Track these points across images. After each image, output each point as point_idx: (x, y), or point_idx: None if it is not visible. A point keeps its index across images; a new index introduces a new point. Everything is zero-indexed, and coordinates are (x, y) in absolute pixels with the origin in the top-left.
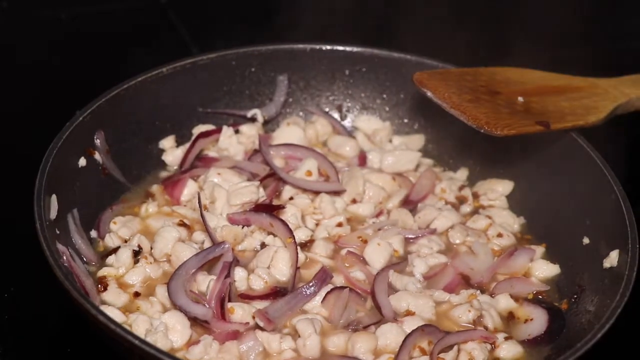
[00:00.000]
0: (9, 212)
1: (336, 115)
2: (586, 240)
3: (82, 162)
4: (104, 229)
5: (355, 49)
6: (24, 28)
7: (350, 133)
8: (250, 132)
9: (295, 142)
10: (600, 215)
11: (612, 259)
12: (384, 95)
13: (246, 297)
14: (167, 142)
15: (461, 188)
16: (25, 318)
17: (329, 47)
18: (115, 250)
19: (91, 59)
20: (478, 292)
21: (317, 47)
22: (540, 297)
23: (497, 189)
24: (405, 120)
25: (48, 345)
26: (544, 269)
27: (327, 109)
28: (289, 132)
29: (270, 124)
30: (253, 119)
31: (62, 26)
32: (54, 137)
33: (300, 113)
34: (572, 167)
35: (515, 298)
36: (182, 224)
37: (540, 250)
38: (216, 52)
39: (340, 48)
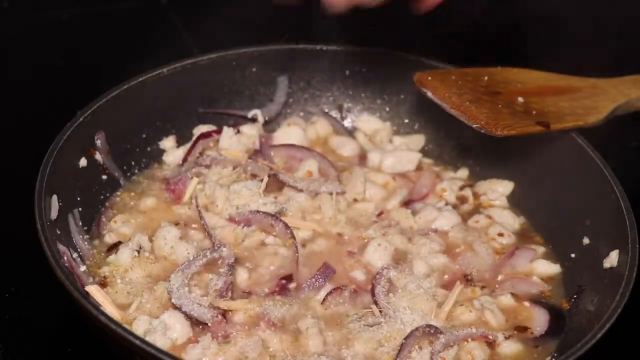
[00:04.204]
0: (10, 212)
1: (336, 116)
2: (586, 240)
3: (83, 162)
4: (104, 229)
5: (355, 49)
6: (25, 28)
7: (350, 133)
8: (250, 133)
9: (295, 143)
10: (600, 215)
11: (612, 259)
12: (384, 96)
13: (249, 296)
14: (168, 143)
15: (462, 188)
16: (26, 318)
17: (329, 48)
18: (115, 248)
19: (92, 59)
20: (479, 291)
21: (318, 47)
22: (541, 296)
23: (497, 189)
24: (406, 121)
25: (48, 345)
26: (544, 269)
27: (327, 109)
28: (289, 133)
29: (270, 125)
30: (253, 120)
31: (62, 26)
32: (54, 137)
33: (301, 113)
34: (572, 167)
35: (517, 297)
36: (182, 224)
37: (540, 249)
38: (216, 52)
39: (341, 48)
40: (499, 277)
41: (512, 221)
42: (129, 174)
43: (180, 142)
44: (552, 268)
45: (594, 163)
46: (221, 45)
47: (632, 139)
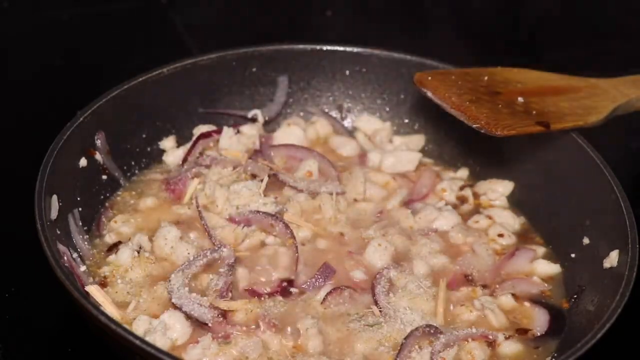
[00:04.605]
0: (10, 212)
1: (336, 116)
2: (586, 240)
3: (83, 162)
4: (104, 229)
5: (355, 49)
6: (25, 28)
7: (350, 133)
8: (250, 133)
9: (295, 143)
10: (600, 216)
11: (612, 259)
12: (384, 96)
13: (251, 294)
14: (168, 143)
15: (462, 188)
16: (26, 318)
17: (329, 48)
18: (115, 248)
19: (92, 59)
20: (480, 291)
21: (318, 47)
22: (541, 296)
23: (497, 189)
24: (406, 121)
25: (48, 345)
26: (544, 269)
27: (327, 109)
28: (289, 133)
29: (270, 124)
30: (253, 120)
31: (62, 26)
32: (54, 137)
33: (301, 113)
34: (572, 167)
35: (517, 298)
36: (182, 223)
37: (540, 250)
38: (216, 52)
39: (341, 48)
40: (500, 278)
41: (512, 221)
42: (129, 174)
43: (180, 142)
44: (552, 268)
45: (594, 163)
46: (221, 45)
47: (632, 139)
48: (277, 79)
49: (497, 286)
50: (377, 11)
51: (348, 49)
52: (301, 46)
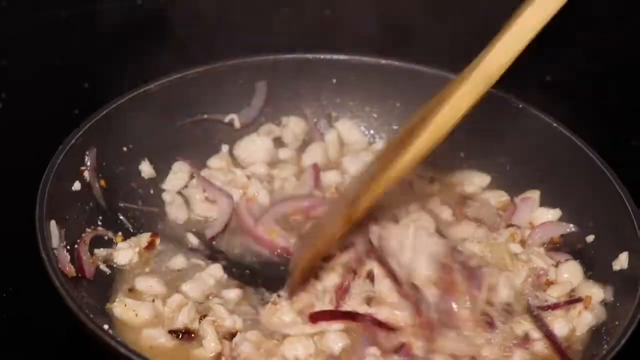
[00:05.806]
0: (10, 212)
1: (324, 123)
2: (590, 239)
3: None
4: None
5: (342, 57)
6: (25, 28)
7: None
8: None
9: (261, 155)
10: (603, 217)
11: (621, 260)
12: (373, 103)
13: None
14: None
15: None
16: (26, 318)
17: (315, 56)
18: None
19: (91, 59)
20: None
21: (303, 56)
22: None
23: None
24: (395, 127)
25: (48, 345)
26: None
27: (315, 119)
28: (255, 145)
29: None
30: (230, 124)
31: (62, 26)
32: (54, 137)
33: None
34: (573, 169)
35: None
36: None
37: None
38: (204, 65)
39: (327, 57)
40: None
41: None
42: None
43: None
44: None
45: (597, 166)
46: (213, 44)
47: (632, 138)
48: (256, 84)
49: (529, 236)
50: (365, 19)
51: (335, 57)
52: (289, 56)
